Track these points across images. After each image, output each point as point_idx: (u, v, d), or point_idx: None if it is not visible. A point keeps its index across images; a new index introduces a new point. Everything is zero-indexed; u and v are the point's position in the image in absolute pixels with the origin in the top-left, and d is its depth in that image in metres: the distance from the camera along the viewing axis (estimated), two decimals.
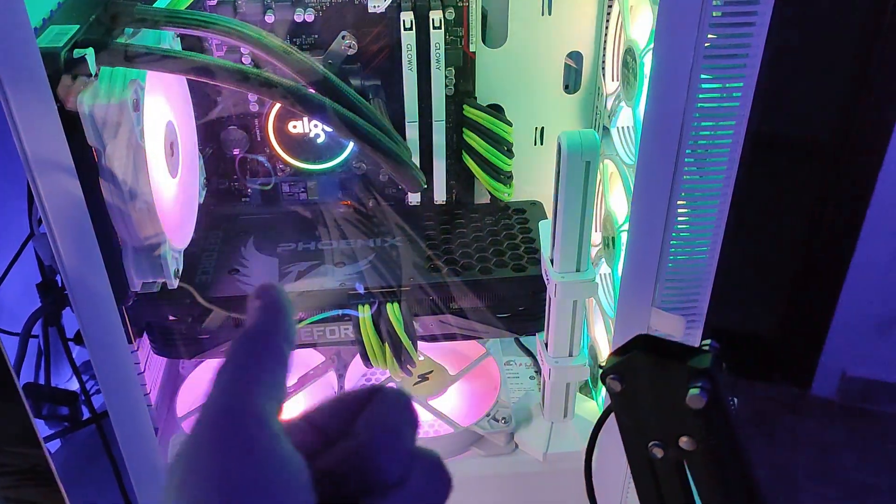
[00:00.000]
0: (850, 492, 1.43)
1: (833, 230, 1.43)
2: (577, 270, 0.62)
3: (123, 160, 0.51)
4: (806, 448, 1.52)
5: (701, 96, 0.50)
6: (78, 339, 0.82)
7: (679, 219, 0.55)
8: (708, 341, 0.40)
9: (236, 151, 0.71)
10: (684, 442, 0.40)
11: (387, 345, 0.65)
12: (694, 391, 0.37)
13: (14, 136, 0.48)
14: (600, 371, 0.41)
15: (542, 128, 0.74)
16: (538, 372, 0.80)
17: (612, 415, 0.44)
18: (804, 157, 1.36)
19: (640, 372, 0.40)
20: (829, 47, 1.22)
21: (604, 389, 0.75)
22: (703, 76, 0.49)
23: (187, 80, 0.65)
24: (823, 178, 1.37)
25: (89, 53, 0.49)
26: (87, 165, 0.51)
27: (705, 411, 0.38)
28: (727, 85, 0.50)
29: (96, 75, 0.50)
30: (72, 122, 0.49)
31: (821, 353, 1.58)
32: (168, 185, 0.59)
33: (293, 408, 0.74)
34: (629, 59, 0.62)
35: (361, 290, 0.65)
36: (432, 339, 0.69)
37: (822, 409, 1.60)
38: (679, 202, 0.54)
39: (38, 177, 0.49)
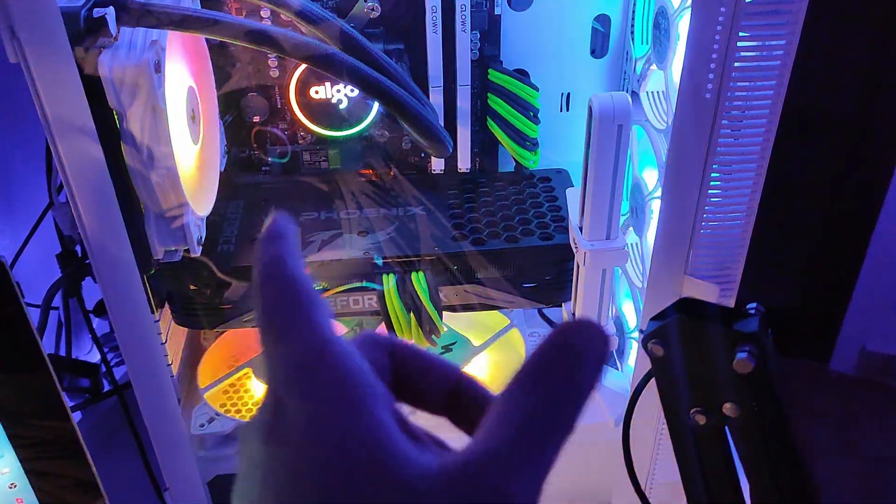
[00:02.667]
0: (870, 465, 1.42)
1: (854, 204, 1.41)
2: (607, 238, 0.61)
3: (145, 123, 0.50)
4: (825, 422, 1.51)
5: (739, 56, 0.48)
6: (98, 310, 0.82)
7: (713, 184, 0.53)
8: (753, 304, 0.39)
9: (256, 119, 0.70)
10: (728, 408, 0.39)
11: (412, 314, 0.64)
12: (742, 355, 0.36)
13: (35, 100, 0.47)
14: (641, 336, 0.40)
15: (569, 93, 0.73)
16: None
17: (647, 382, 0.43)
18: (826, 132, 1.34)
19: (683, 336, 0.39)
20: (853, 23, 1.19)
21: (632, 359, 0.74)
22: (741, 34, 0.47)
23: (208, 46, 0.64)
24: (845, 152, 1.35)
25: (109, 13, 0.48)
26: (109, 130, 0.50)
27: (752, 376, 0.37)
28: (767, 43, 0.48)
29: (116, 36, 0.49)
30: (92, 85, 0.48)
31: (840, 327, 1.57)
32: (190, 152, 0.57)
33: None
34: (661, 21, 0.60)
35: (380, 262, 0.64)
36: (456, 308, 0.68)
37: (841, 384, 1.59)
38: (714, 167, 0.52)
39: (59, 141, 0.48)
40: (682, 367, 0.39)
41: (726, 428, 0.40)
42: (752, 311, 0.38)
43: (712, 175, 0.53)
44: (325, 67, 0.50)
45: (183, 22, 0.50)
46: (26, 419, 0.48)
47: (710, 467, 0.42)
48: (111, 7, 0.48)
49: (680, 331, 0.38)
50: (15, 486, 0.48)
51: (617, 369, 0.75)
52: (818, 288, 1.54)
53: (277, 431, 0.23)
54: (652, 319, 0.40)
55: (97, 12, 0.47)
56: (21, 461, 0.47)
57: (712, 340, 0.37)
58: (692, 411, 0.40)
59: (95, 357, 0.91)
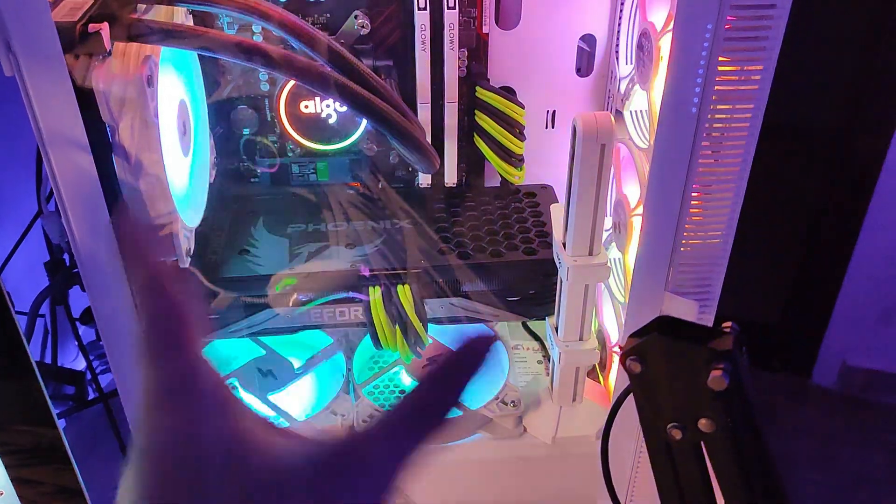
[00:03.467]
0: (850, 481, 1.44)
1: (836, 220, 1.43)
2: (590, 254, 0.62)
3: (137, 136, 0.51)
4: (806, 437, 1.53)
5: (719, 79, 0.49)
6: (83, 318, 0.82)
7: (694, 202, 0.54)
8: (728, 324, 0.40)
9: (246, 131, 0.71)
10: (703, 424, 0.40)
11: (397, 326, 0.65)
12: (716, 373, 0.37)
13: (28, 112, 0.47)
14: (618, 353, 0.41)
15: (554, 111, 0.74)
16: (546, 357, 0.80)
17: (625, 397, 0.44)
18: (807, 147, 1.36)
19: (660, 353, 0.40)
20: (836, 37, 1.21)
21: (614, 373, 0.75)
22: (721, 58, 0.49)
23: (199, 58, 0.65)
24: (827, 167, 1.37)
25: (104, 28, 0.49)
26: (100, 142, 0.51)
27: (726, 393, 0.38)
28: (745, 68, 0.50)
29: (110, 51, 0.50)
30: (85, 98, 0.49)
31: (822, 342, 1.59)
32: (180, 164, 0.58)
33: (305, 387, 0.74)
34: (645, 42, 0.61)
35: (367, 274, 0.65)
36: (440, 321, 0.69)
37: (823, 399, 1.60)
38: (695, 185, 0.54)
39: (51, 153, 0.49)
40: (659, 383, 0.41)
41: (702, 443, 0.41)
42: (728, 330, 0.39)
43: (692, 194, 0.54)
44: (313, 84, 0.51)
45: (175, 37, 0.51)
46: (12, 426, 0.48)
47: (686, 482, 0.43)
48: (105, 22, 0.48)
49: (657, 348, 0.39)
50: (1, 494, 0.48)
51: (599, 383, 0.76)
52: (800, 303, 1.56)
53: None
54: (630, 336, 0.41)
55: (92, 27, 0.48)
56: (6, 468, 0.48)
57: (688, 358, 0.38)
58: (669, 426, 0.41)
59: (80, 365, 0.91)
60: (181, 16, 0.59)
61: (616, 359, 0.76)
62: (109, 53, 0.50)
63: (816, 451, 1.49)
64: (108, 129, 0.51)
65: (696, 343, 0.38)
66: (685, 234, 0.56)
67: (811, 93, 1.26)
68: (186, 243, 0.57)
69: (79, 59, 0.48)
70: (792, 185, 1.39)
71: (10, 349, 0.47)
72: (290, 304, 0.65)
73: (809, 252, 1.48)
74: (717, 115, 0.51)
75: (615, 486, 0.52)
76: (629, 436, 0.65)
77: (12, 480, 0.49)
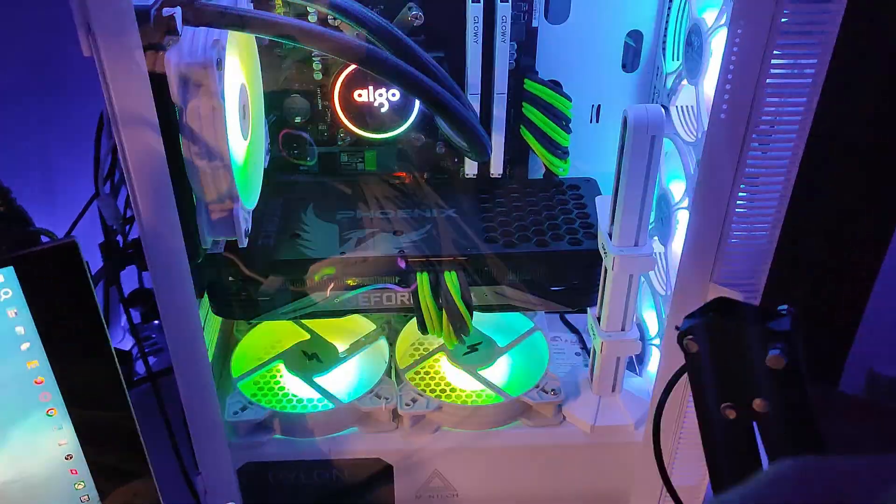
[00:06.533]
0: None
1: (865, 225, 1.43)
2: (636, 245, 0.63)
3: (204, 118, 0.53)
4: (832, 445, 1.52)
5: (773, 72, 0.50)
6: (131, 301, 0.84)
7: (741, 195, 0.55)
8: (784, 305, 0.41)
9: (298, 120, 0.72)
10: (758, 404, 0.41)
11: (443, 312, 0.66)
12: (774, 352, 0.38)
13: (104, 91, 0.49)
14: (677, 332, 0.42)
15: (599, 105, 0.75)
16: (584, 349, 0.81)
17: (679, 378, 0.45)
18: (842, 154, 1.36)
19: (717, 333, 0.41)
20: (880, 42, 1.21)
21: (652, 364, 0.76)
22: (775, 52, 0.50)
23: (257, 46, 0.66)
24: (860, 173, 1.37)
25: (177, 12, 0.50)
26: (169, 123, 0.53)
27: (783, 373, 0.39)
28: (799, 61, 0.51)
29: (182, 35, 0.52)
30: (156, 80, 0.51)
31: (849, 349, 1.58)
32: (240, 147, 0.60)
33: (349, 371, 0.75)
34: (694, 38, 0.63)
35: (414, 260, 0.66)
36: (484, 309, 0.70)
37: (849, 406, 1.60)
38: (744, 178, 0.54)
39: (123, 132, 0.51)
40: (715, 362, 0.42)
41: (755, 424, 0.42)
42: (784, 312, 0.40)
43: (741, 185, 0.55)
44: (373, 68, 0.53)
45: (244, 22, 0.52)
46: (86, 394, 0.50)
47: (737, 462, 0.44)
48: (178, 7, 0.50)
49: (715, 328, 0.41)
50: (71, 458, 0.50)
51: (637, 375, 0.77)
52: (827, 309, 1.56)
53: None
54: (687, 317, 0.42)
55: (166, 11, 0.50)
56: (78, 435, 0.50)
57: (746, 337, 0.40)
58: (723, 406, 0.42)
59: (126, 346, 0.93)
60: (243, 1, 0.61)
61: (654, 352, 0.77)
62: (180, 37, 0.52)
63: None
64: (176, 110, 0.53)
65: (754, 322, 0.39)
66: (733, 226, 0.57)
67: (847, 95, 1.26)
68: (245, 224, 0.59)
69: (152, 42, 0.50)
70: (820, 192, 1.39)
71: (88, 320, 0.48)
72: (341, 287, 0.67)
73: (838, 257, 1.47)
74: (767, 108, 0.52)
75: (656, 472, 0.53)
76: (667, 429, 0.66)
77: (83, 446, 0.51)
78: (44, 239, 0.60)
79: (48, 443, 0.49)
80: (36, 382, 0.47)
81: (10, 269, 0.44)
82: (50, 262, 0.45)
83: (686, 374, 0.44)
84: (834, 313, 1.54)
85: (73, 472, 0.51)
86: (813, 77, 0.50)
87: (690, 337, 0.41)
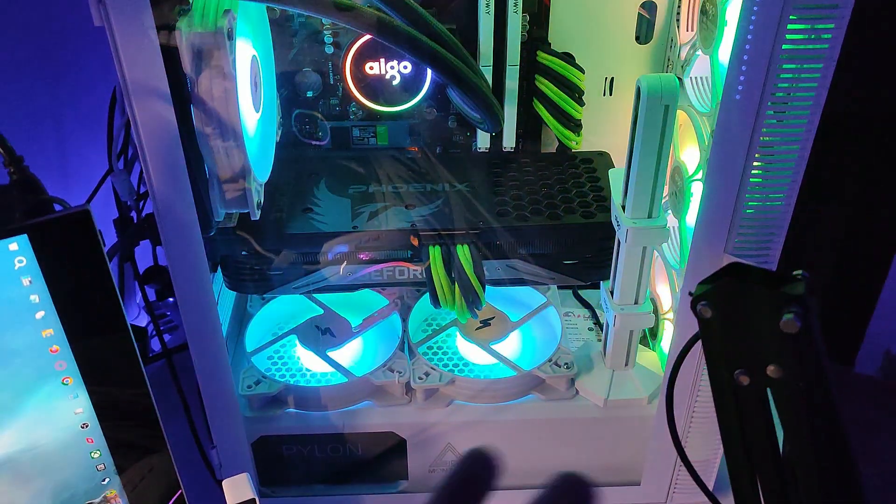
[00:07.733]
0: (890, 471, 1.42)
1: (882, 208, 1.41)
2: (649, 216, 0.63)
3: (216, 89, 0.53)
4: (849, 427, 1.51)
5: (788, 38, 0.50)
6: (145, 278, 0.85)
7: (756, 164, 0.55)
8: (800, 271, 0.40)
9: (309, 94, 0.72)
10: (771, 370, 0.41)
11: (456, 286, 0.66)
12: (788, 316, 0.38)
13: (115, 62, 0.49)
14: (691, 298, 0.41)
15: (612, 78, 0.75)
16: (597, 324, 0.81)
17: (693, 344, 0.45)
18: (860, 134, 1.34)
19: (731, 298, 0.40)
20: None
21: (665, 340, 0.76)
22: (791, 17, 0.49)
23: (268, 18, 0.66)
24: (877, 156, 1.35)
25: None
26: (180, 94, 0.53)
27: (798, 337, 0.39)
28: (816, 26, 0.50)
29: (192, 4, 0.52)
30: (167, 50, 0.50)
31: (865, 330, 1.57)
32: (252, 119, 0.60)
33: (361, 345, 0.75)
34: (708, 7, 0.62)
35: (427, 234, 0.66)
36: (497, 283, 0.70)
37: (865, 387, 1.58)
38: (759, 146, 0.54)
39: (135, 103, 0.51)
40: (729, 328, 0.41)
41: (768, 390, 0.42)
42: (799, 276, 0.39)
43: (755, 156, 0.54)
44: (387, 38, 0.53)
45: None
46: (101, 364, 0.50)
47: (750, 428, 0.44)
48: None
49: (729, 293, 0.40)
50: (87, 426, 0.51)
51: (650, 349, 0.77)
52: (843, 290, 1.54)
53: None
54: (701, 283, 0.42)
55: None
56: (94, 405, 0.50)
57: (760, 302, 0.39)
58: (736, 372, 0.42)
59: (140, 323, 0.94)
60: None
61: (667, 325, 0.76)
62: (192, 6, 0.52)
63: (861, 442, 1.47)
64: (187, 81, 0.53)
65: (768, 287, 0.39)
66: (747, 196, 0.56)
67: (872, 79, 1.24)
68: (257, 196, 0.59)
69: (163, 12, 0.50)
70: (838, 172, 1.37)
71: (102, 289, 0.48)
72: (354, 261, 0.67)
73: (854, 238, 1.46)
74: (783, 76, 0.51)
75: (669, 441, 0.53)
76: (679, 403, 0.65)
77: (99, 416, 0.51)
78: (57, 207, 0.60)
79: (64, 411, 0.49)
80: (51, 351, 0.47)
81: (24, 236, 0.44)
82: (64, 231, 0.46)
83: (699, 342, 0.43)
84: (849, 295, 1.53)
85: (90, 440, 0.51)
86: (830, 42, 0.50)
87: (704, 303, 0.41)
